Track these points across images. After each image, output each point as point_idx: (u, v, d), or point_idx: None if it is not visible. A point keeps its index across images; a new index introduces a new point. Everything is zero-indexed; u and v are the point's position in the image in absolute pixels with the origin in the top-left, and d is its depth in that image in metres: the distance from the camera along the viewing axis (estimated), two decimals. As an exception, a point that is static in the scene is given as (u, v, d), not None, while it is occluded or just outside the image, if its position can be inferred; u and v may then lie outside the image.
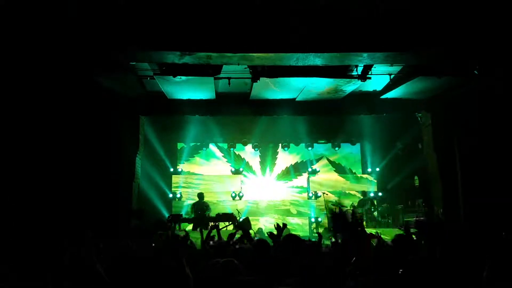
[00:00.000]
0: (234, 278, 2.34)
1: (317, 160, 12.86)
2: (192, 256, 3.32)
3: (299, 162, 12.87)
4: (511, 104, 7.86)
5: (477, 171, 8.78)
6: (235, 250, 3.61)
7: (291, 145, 12.52)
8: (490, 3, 5.73)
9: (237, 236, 4.84)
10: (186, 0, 5.82)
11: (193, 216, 10.37)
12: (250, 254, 3.38)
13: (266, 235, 5.16)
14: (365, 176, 12.86)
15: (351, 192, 12.65)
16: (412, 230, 4.37)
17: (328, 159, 12.91)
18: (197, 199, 10.75)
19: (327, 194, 11.70)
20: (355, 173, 12.89)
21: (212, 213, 10.74)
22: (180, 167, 12.39)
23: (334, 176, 12.87)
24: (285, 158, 12.83)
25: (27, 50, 6.19)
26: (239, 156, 12.70)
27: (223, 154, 12.68)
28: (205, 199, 10.75)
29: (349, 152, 12.85)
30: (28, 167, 7.72)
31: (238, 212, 10.36)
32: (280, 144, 12.56)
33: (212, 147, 12.53)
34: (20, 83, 7.14)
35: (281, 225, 4.41)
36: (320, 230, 10.35)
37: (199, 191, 11.03)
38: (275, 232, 4.20)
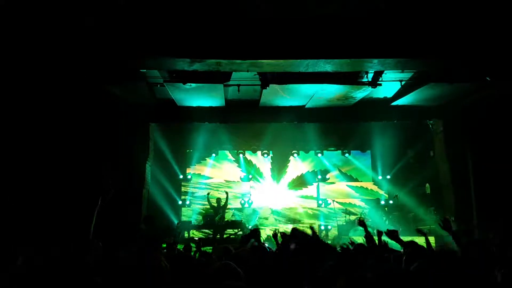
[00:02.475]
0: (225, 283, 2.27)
1: (328, 171, 12.74)
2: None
3: (310, 171, 12.76)
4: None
5: (490, 179, 8.62)
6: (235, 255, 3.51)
7: (302, 153, 12.44)
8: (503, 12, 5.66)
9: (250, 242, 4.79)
10: (196, 8, 5.86)
11: (202, 222, 10.38)
12: (246, 259, 3.31)
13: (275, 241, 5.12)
14: (375, 188, 12.69)
15: (359, 203, 12.51)
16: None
17: (339, 169, 12.77)
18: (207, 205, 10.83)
19: (336, 203, 11.63)
20: (364, 183, 12.75)
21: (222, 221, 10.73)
22: (190, 173, 12.40)
23: (343, 185, 12.74)
24: (297, 166, 12.75)
25: (40, 58, 6.27)
26: (250, 162, 12.65)
27: (234, 159, 12.65)
28: (215, 204, 10.80)
29: (359, 160, 12.71)
30: (40, 173, 7.78)
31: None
32: (290, 152, 12.49)
33: (221, 153, 12.52)
34: (32, 90, 7.24)
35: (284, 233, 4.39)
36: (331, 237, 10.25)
37: (211, 197, 11.08)
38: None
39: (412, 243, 4.51)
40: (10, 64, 6.27)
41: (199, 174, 12.44)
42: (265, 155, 12.38)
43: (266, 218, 12.24)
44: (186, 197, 12.15)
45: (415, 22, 5.87)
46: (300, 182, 12.77)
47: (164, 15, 5.95)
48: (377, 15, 5.80)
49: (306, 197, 12.66)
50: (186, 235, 10.13)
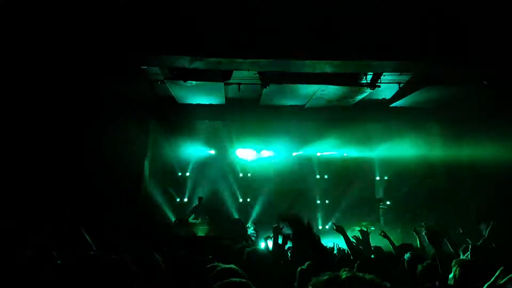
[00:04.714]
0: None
1: (326, 168, 12.81)
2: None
3: (309, 170, 12.81)
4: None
5: (485, 179, 8.70)
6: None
7: (301, 152, 12.48)
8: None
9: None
10: (197, 6, 5.90)
11: (200, 220, 10.43)
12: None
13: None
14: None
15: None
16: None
17: (338, 169, 12.82)
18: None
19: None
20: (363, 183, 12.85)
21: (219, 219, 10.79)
22: (188, 171, 12.42)
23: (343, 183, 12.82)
24: (296, 165, 12.81)
25: (41, 53, 6.30)
26: (250, 160, 12.66)
27: (233, 157, 12.66)
28: (212, 204, 10.85)
29: (358, 160, 12.74)
30: (36, 166, 7.80)
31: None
32: (289, 151, 12.53)
33: (221, 151, 12.54)
34: (33, 86, 7.28)
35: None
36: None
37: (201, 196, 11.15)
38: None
39: (407, 245, 4.59)
40: (11, 61, 6.31)
41: (197, 172, 12.47)
42: (265, 154, 12.43)
43: (265, 216, 12.28)
44: (185, 194, 12.19)
45: (414, 25, 5.92)
46: (299, 180, 12.84)
47: (165, 12, 5.99)
48: (377, 17, 5.85)
49: (306, 195, 12.73)
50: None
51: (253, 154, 12.42)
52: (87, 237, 3.00)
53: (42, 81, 7.25)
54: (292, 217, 1.96)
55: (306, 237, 1.96)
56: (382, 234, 5.22)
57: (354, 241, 4.67)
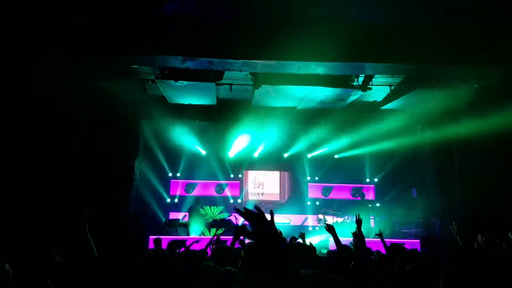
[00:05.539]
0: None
1: (317, 169, 12.85)
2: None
3: (300, 171, 12.84)
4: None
5: (476, 184, 8.77)
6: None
7: (292, 153, 12.51)
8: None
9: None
10: (189, 6, 5.86)
11: (191, 220, 10.37)
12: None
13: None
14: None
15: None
16: None
17: (328, 170, 12.87)
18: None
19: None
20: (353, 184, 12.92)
21: (209, 219, 10.75)
22: (179, 172, 12.34)
23: (331, 186, 12.86)
24: (287, 166, 12.83)
25: (29, 50, 6.19)
26: (241, 161, 12.63)
27: (225, 158, 12.61)
28: (204, 204, 10.79)
29: (347, 162, 12.79)
30: (24, 167, 7.66)
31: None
32: (281, 152, 12.54)
33: (212, 152, 12.48)
34: (21, 84, 7.14)
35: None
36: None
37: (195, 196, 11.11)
38: None
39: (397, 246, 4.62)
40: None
41: (188, 173, 12.40)
42: (256, 155, 12.42)
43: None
44: (175, 195, 12.11)
45: (406, 28, 5.97)
46: (290, 181, 12.86)
47: (157, 11, 5.94)
48: (369, 19, 5.88)
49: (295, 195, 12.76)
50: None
51: (244, 155, 12.39)
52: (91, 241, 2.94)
53: (30, 80, 7.12)
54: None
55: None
56: (378, 233, 5.27)
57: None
